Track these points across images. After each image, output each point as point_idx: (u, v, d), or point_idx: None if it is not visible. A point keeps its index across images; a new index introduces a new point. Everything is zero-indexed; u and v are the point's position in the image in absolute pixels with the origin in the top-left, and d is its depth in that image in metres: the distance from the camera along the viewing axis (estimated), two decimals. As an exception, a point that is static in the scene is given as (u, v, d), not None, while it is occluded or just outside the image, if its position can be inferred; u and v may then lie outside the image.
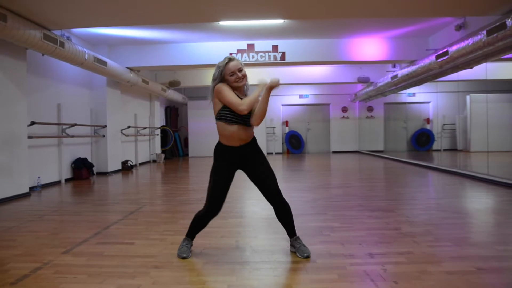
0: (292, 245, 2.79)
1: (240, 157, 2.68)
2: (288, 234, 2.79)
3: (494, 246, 2.93)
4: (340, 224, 3.62)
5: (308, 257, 2.66)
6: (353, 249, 2.85)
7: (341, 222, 3.71)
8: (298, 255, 2.70)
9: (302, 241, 2.78)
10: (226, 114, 2.61)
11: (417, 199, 5.17)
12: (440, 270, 2.42)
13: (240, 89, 2.71)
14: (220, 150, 2.68)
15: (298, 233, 2.79)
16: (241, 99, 2.62)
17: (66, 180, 7.05)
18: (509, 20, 4.82)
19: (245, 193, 5.58)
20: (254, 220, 3.93)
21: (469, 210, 4.51)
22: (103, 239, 3.21)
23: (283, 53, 7.99)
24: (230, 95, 2.58)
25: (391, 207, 4.45)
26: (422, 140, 13.28)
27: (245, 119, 2.63)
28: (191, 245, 2.81)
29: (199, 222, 2.77)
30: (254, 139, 2.76)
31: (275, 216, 2.77)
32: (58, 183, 6.82)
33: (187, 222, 3.84)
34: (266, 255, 2.77)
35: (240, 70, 2.65)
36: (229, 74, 2.63)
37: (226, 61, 2.66)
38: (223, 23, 6.50)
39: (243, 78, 2.67)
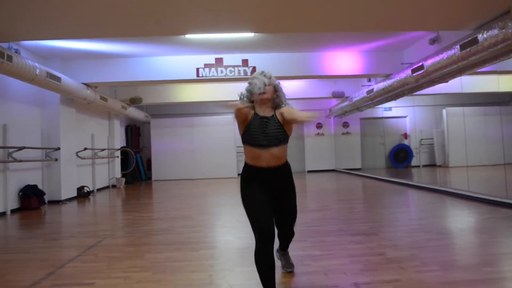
0: (280, 257, 3.07)
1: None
2: (281, 248, 3.03)
3: (481, 268, 3.00)
4: (321, 252, 3.60)
5: (291, 272, 3.00)
6: (337, 279, 2.84)
7: (322, 249, 3.70)
8: (285, 269, 3.03)
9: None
10: None
11: (399, 220, 5.26)
12: (429, 298, 2.45)
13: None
14: None
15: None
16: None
17: (13, 211, 6.67)
18: (480, 35, 5.12)
19: (216, 220, 5.49)
20: (228, 251, 3.85)
21: (452, 230, 4.63)
22: (57, 281, 3.02)
23: (254, 68, 8.06)
24: None
25: (374, 230, 4.49)
26: (400, 156, 13.61)
27: None
28: None
29: (258, 263, 2.40)
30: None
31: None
32: (2, 214, 6.44)
33: (154, 256, 3.76)
34: (243, 290, 2.70)
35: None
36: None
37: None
38: (189, 36, 6.50)
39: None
